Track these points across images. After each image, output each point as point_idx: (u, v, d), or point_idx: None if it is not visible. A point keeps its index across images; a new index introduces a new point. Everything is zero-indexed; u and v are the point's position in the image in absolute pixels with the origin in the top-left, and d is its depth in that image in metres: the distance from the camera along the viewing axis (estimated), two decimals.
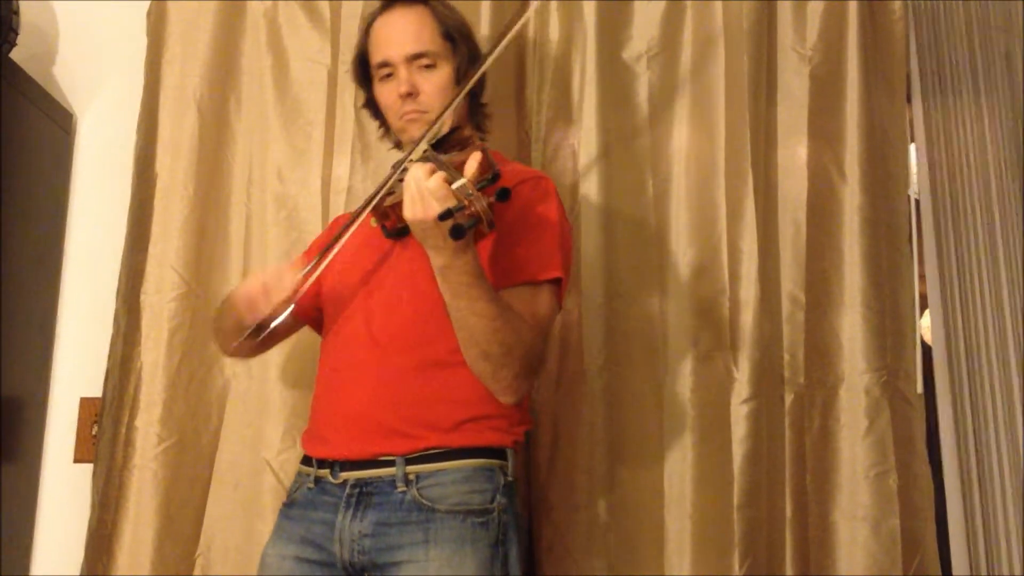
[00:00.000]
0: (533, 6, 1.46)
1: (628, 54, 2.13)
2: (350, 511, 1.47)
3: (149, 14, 2.20)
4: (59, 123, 2.26)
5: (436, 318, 1.44)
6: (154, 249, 2.07)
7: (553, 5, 2.12)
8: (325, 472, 1.52)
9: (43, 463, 2.18)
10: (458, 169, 1.31)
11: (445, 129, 1.53)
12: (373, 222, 1.54)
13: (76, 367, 2.21)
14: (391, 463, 1.46)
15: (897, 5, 2.13)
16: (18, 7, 2.13)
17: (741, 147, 2.01)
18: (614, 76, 2.10)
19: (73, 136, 2.30)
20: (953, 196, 2.10)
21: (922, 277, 2.14)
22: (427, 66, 1.60)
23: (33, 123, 2.15)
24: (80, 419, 2.19)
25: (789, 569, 1.93)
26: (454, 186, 1.27)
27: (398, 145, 1.76)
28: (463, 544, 1.42)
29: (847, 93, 2.05)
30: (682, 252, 2.04)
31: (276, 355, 2.02)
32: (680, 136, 2.09)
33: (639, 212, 2.07)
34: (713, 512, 1.91)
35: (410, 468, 1.45)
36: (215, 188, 2.13)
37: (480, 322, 1.39)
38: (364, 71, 1.70)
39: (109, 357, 2.09)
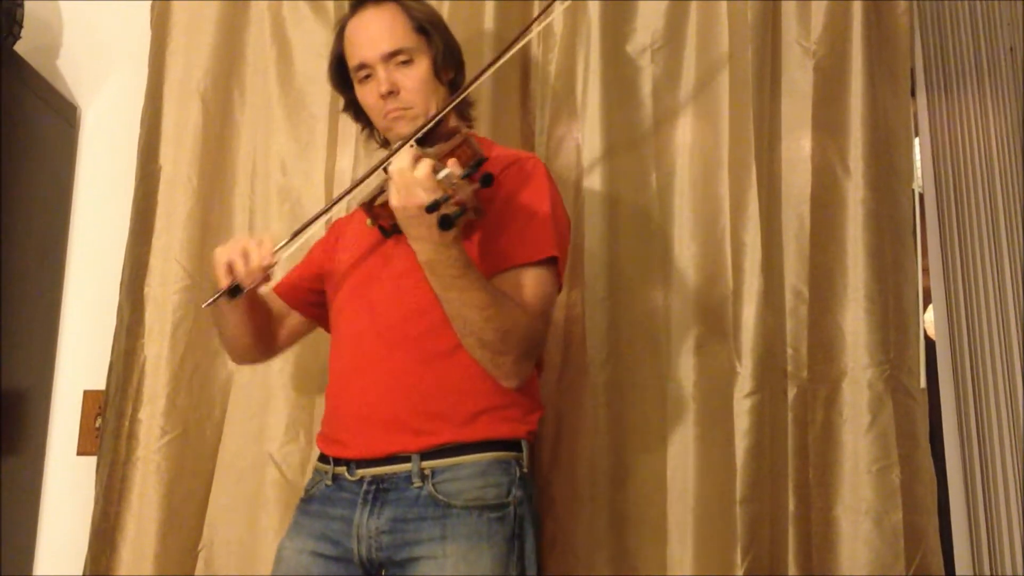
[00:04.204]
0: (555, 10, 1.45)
1: (632, 48, 2.13)
2: (367, 508, 1.46)
3: (153, 7, 2.21)
4: (63, 116, 2.26)
5: (438, 309, 1.44)
6: (158, 242, 2.08)
7: (557, 2, 2.12)
8: (342, 470, 1.52)
9: (47, 456, 2.18)
10: (443, 160, 1.31)
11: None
12: (369, 223, 1.54)
13: (80, 360, 2.22)
14: (406, 459, 1.46)
15: (902, 1, 2.13)
16: (23, 1, 2.13)
17: (745, 141, 2.01)
18: (618, 70, 2.10)
19: (77, 129, 2.31)
20: (957, 190, 2.10)
21: (925, 271, 2.13)
22: (404, 62, 1.59)
23: (37, 116, 2.16)
24: (84, 412, 2.19)
25: (791, 564, 1.93)
26: (439, 176, 1.27)
27: (385, 144, 1.75)
28: (479, 540, 1.42)
29: (851, 87, 2.05)
30: (685, 245, 2.04)
31: None
32: (684, 130, 2.09)
33: (642, 205, 2.07)
34: (715, 506, 1.90)
35: (425, 463, 1.45)
36: (219, 181, 2.13)
37: (473, 312, 1.39)
38: (342, 74, 1.69)
39: (113, 350, 2.09)
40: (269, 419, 2.03)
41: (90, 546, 2.00)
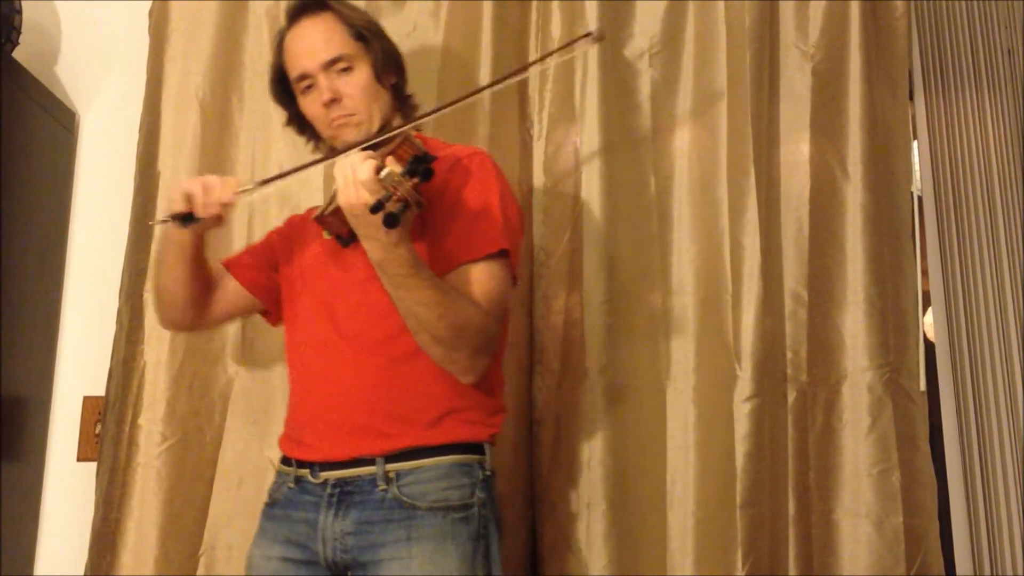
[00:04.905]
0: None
1: (630, 52, 2.14)
2: (332, 510, 1.48)
3: (151, 12, 2.20)
4: (62, 122, 2.26)
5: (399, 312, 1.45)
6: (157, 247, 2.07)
7: (555, 4, 2.12)
8: (305, 472, 1.53)
9: (47, 462, 2.18)
10: (384, 159, 1.35)
11: (375, 128, 1.58)
12: (326, 234, 1.57)
13: (79, 366, 2.22)
14: (371, 462, 1.47)
15: (899, 3, 2.13)
16: (21, 6, 2.13)
17: (743, 144, 2.01)
18: (616, 74, 2.10)
19: (76, 134, 2.31)
20: (955, 192, 2.11)
21: (925, 273, 2.14)
22: (344, 69, 1.60)
23: (36, 122, 2.16)
24: (83, 418, 2.19)
25: (792, 567, 1.93)
26: (381, 175, 1.30)
27: (331, 153, 1.73)
28: (444, 540, 1.44)
29: (849, 90, 2.05)
30: (684, 249, 2.05)
31: (278, 353, 2.02)
32: (682, 133, 2.10)
33: (641, 210, 2.07)
34: (716, 510, 1.91)
35: (389, 466, 1.46)
36: None
37: (425, 310, 1.40)
38: (283, 88, 1.70)
39: (112, 355, 2.09)
40: (269, 424, 2.03)
41: (91, 552, 2.00)
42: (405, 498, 1.45)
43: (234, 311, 1.77)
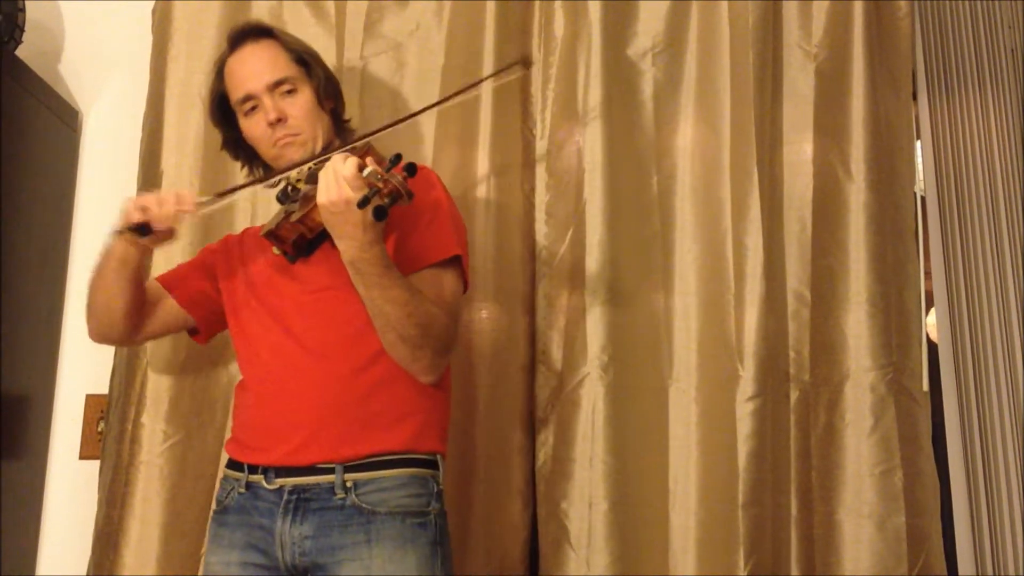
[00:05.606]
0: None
1: (633, 51, 2.14)
2: (289, 516, 1.50)
3: (154, 12, 2.20)
4: (65, 120, 2.26)
5: (359, 321, 1.49)
6: None
7: (558, 3, 2.12)
8: (258, 478, 1.54)
9: (49, 460, 2.18)
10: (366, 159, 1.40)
11: (319, 147, 1.64)
12: (276, 250, 1.61)
13: (82, 364, 2.22)
14: (330, 471, 1.49)
15: (903, 3, 2.13)
16: (24, 5, 2.14)
17: (746, 144, 2.01)
18: (619, 73, 2.10)
19: (79, 133, 2.31)
20: (959, 193, 2.11)
21: (928, 274, 2.13)
22: (289, 91, 1.65)
23: (39, 120, 2.16)
24: (86, 416, 2.19)
25: (794, 567, 1.93)
26: (365, 172, 1.35)
27: (266, 176, 1.76)
28: (404, 543, 1.47)
29: (853, 90, 2.05)
30: (687, 249, 2.05)
31: None
32: (685, 133, 2.09)
33: (644, 209, 2.07)
34: (718, 510, 1.91)
35: (348, 476, 1.49)
36: (220, 185, 2.12)
37: (394, 309, 1.44)
38: (222, 112, 1.73)
39: (115, 354, 2.09)
40: None
41: (93, 550, 2.00)
42: (365, 505, 1.48)
43: (165, 328, 1.79)
